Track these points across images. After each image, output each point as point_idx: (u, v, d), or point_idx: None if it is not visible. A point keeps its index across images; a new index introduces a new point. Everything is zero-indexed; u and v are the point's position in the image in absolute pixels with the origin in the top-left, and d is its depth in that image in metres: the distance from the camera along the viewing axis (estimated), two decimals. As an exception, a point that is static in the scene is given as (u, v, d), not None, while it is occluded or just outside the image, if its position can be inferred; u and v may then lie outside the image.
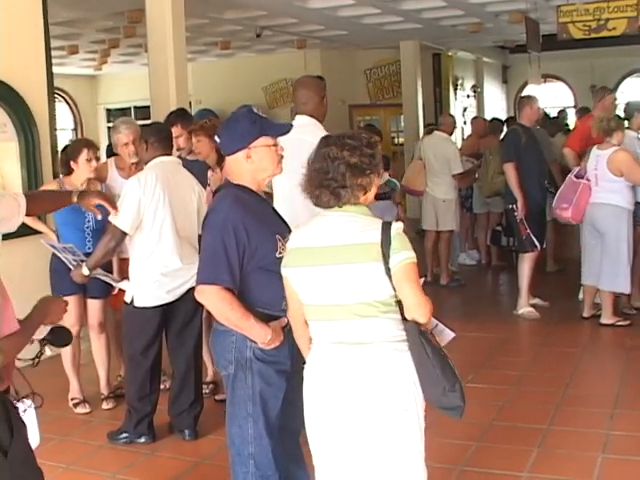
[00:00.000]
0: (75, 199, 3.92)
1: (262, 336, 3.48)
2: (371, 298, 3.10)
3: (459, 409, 3.21)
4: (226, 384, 3.68)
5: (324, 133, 5.31)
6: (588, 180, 7.77)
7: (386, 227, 3.09)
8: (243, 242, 3.46)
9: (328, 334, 3.18)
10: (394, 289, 3.08)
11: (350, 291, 3.10)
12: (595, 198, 7.74)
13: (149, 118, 9.34)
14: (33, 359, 3.18)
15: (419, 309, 3.10)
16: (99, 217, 4.17)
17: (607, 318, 7.88)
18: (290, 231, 3.48)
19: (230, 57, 17.57)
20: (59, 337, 3.27)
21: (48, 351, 3.27)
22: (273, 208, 3.87)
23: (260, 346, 3.51)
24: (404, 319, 3.15)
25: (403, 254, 3.06)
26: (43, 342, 3.21)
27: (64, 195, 4.37)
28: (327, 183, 3.14)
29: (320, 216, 3.23)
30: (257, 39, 14.63)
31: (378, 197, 7.82)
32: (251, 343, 3.52)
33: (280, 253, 3.46)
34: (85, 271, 5.27)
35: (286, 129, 3.77)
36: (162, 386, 5.78)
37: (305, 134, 4.46)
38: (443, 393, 3.15)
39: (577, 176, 7.85)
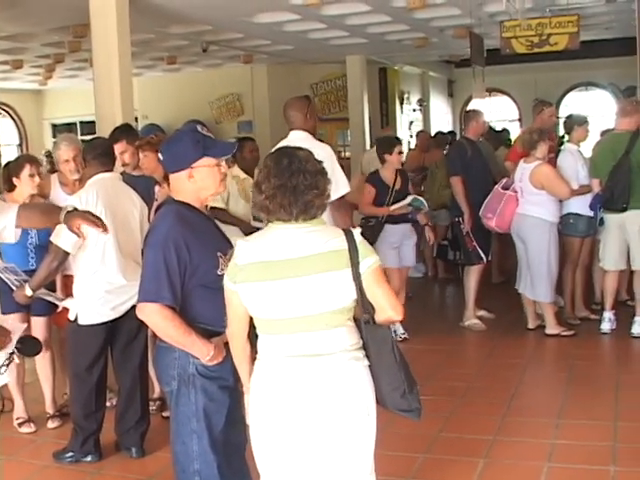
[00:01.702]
0: (62, 218, 3.89)
1: (204, 352, 3.48)
2: (340, 305, 3.15)
3: (417, 411, 3.34)
4: (169, 401, 3.68)
5: (318, 143, 6.04)
6: (515, 191, 7.93)
7: (349, 234, 3.18)
8: (184, 259, 3.46)
9: (286, 348, 3.16)
10: (360, 293, 3.15)
11: (321, 301, 3.13)
12: (520, 209, 7.96)
13: (95, 133, 9.28)
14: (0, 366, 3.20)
15: (396, 307, 3.24)
16: (83, 240, 4.11)
17: (551, 328, 7.99)
18: (232, 247, 3.49)
19: (177, 72, 17.56)
20: (29, 346, 3.31)
21: (16, 359, 3.29)
22: (215, 225, 3.87)
23: (203, 362, 3.51)
24: (374, 323, 3.24)
25: (371, 258, 3.17)
26: (12, 353, 3.24)
27: (55, 212, 4.30)
28: (315, 193, 3.14)
29: (272, 229, 3.20)
30: (203, 54, 14.64)
31: (396, 220, 7.70)
32: (194, 359, 3.52)
33: (222, 270, 3.46)
34: (28, 292, 5.20)
35: (229, 149, 3.80)
36: (108, 403, 5.74)
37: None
38: (402, 396, 3.28)
39: (504, 187, 8.03)
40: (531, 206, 7.86)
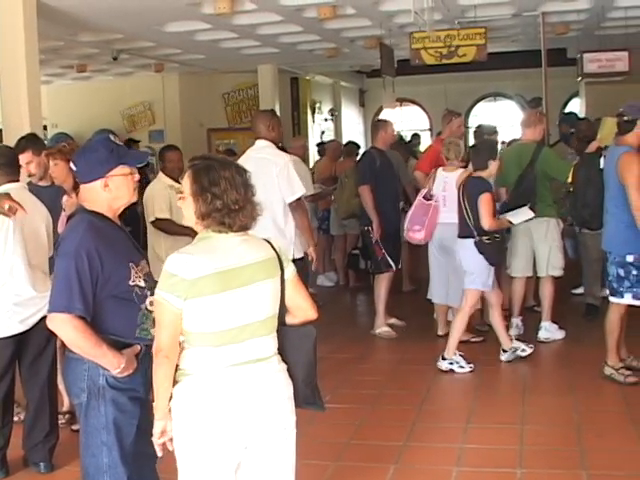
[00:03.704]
0: None
1: (115, 364, 3.45)
2: (276, 310, 3.27)
3: (321, 403, 3.48)
4: (79, 413, 3.64)
5: (278, 152, 6.80)
6: (436, 201, 8.03)
7: (270, 242, 3.31)
8: (96, 269, 3.43)
9: (229, 357, 3.14)
10: (281, 298, 3.29)
11: (267, 306, 3.22)
12: (443, 218, 7.98)
13: (2, 142, 9.11)
14: None
15: (314, 307, 3.42)
16: (12, 219, 4.04)
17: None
18: (144, 258, 3.49)
19: (87, 80, 17.33)
20: None
21: None
22: (127, 235, 3.84)
23: (113, 374, 3.48)
24: (291, 325, 3.36)
25: (291, 265, 3.37)
26: None
27: None
28: (255, 204, 3.24)
29: (210, 239, 3.18)
30: (114, 62, 14.47)
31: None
32: (104, 371, 3.48)
33: (134, 281, 3.45)
34: None
35: (143, 158, 3.81)
36: (16, 418, 5.62)
37: (264, 153, 6.77)
38: (312, 390, 3.40)
39: (425, 198, 8.10)
40: (456, 214, 7.92)
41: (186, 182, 3.21)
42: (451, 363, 7.29)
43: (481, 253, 7.14)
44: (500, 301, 7.45)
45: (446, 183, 7.99)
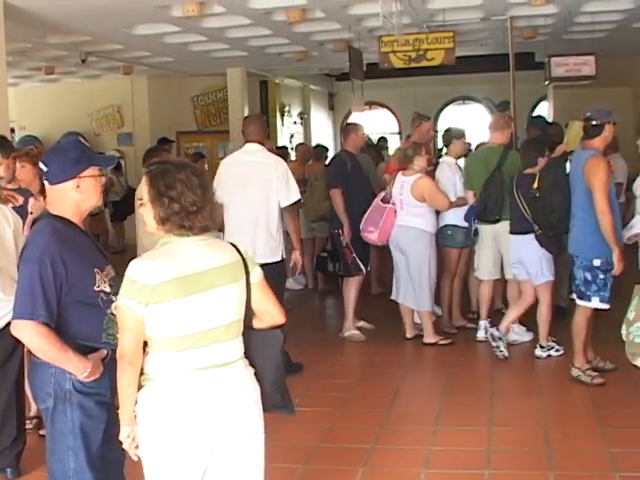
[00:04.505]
0: None
1: (81, 369, 3.44)
2: (242, 314, 3.25)
3: (292, 405, 3.50)
4: (45, 418, 3.62)
5: (274, 156, 7.06)
6: (393, 204, 8.08)
7: (235, 247, 3.28)
8: (61, 275, 3.41)
9: (193, 362, 3.13)
10: (247, 302, 3.27)
11: (233, 310, 3.21)
12: (400, 221, 8.10)
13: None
14: None
15: (283, 312, 3.41)
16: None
17: (429, 337, 8.15)
18: (109, 263, 3.48)
19: (55, 82, 17.22)
20: None
21: None
22: (92, 240, 3.83)
23: (80, 378, 3.46)
24: (257, 328, 3.35)
25: (258, 268, 3.32)
26: None
27: None
28: (216, 204, 3.24)
29: (174, 243, 3.17)
30: (83, 64, 14.39)
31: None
32: (70, 375, 3.46)
33: (99, 286, 3.44)
34: None
35: (112, 161, 3.81)
36: (-18, 423, 5.58)
37: (257, 157, 6.99)
38: (282, 394, 3.41)
39: (383, 200, 8.16)
40: (412, 218, 8.02)
41: (143, 188, 3.20)
42: (548, 349, 7.53)
43: (542, 246, 7.29)
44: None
45: (403, 187, 8.07)
